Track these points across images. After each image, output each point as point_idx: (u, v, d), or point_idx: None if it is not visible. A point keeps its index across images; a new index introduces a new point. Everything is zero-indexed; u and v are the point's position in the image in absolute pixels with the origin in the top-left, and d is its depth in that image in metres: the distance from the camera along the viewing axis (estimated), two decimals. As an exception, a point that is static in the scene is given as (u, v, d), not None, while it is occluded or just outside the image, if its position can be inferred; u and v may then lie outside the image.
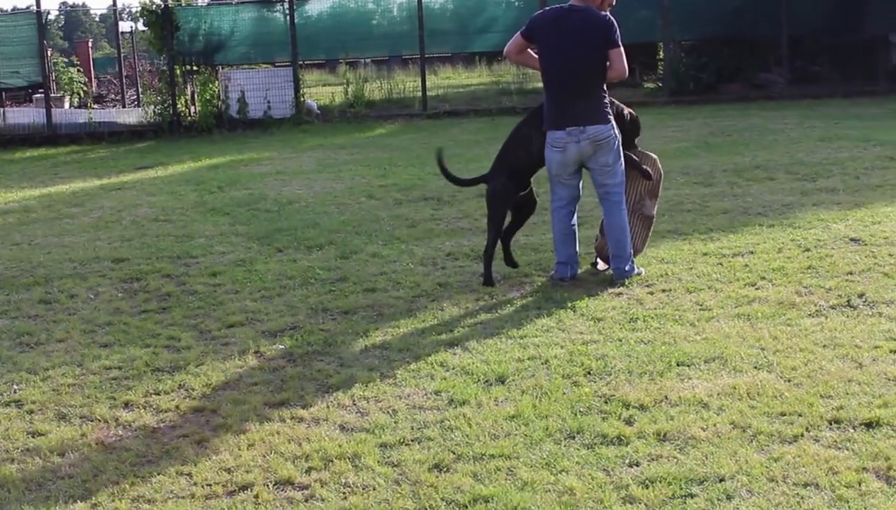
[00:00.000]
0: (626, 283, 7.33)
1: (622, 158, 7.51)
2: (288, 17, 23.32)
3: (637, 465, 4.42)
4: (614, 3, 7.67)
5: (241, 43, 24.06)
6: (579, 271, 7.73)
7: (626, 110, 7.84)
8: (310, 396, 5.50)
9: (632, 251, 7.52)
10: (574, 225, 7.72)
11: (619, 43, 7.37)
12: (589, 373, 5.58)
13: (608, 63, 7.38)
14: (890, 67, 24.18)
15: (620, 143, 7.49)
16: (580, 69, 7.36)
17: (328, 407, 5.33)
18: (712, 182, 11.62)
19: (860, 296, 6.73)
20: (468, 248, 8.77)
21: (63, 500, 4.42)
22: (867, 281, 7.07)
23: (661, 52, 26.37)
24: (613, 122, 7.44)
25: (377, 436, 4.91)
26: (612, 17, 7.42)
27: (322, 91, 29.85)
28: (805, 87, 23.24)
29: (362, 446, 4.78)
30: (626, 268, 7.43)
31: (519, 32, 7.63)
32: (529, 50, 7.63)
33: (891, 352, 5.64)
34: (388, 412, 5.22)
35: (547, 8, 7.77)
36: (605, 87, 7.46)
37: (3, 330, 7.12)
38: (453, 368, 5.82)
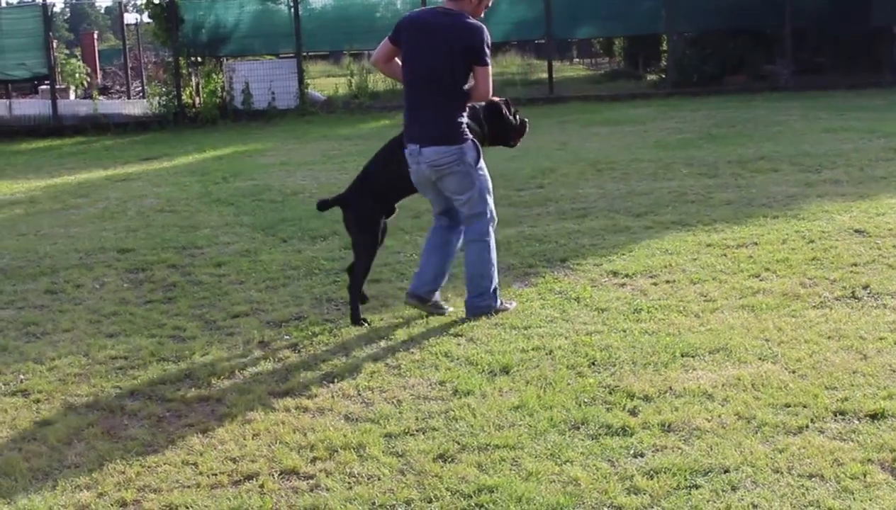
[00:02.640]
0: (630, 275, 7.32)
1: (479, 185, 6.49)
2: (292, 9, 23.33)
3: (641, 456, 4.42)
4: (490, 5, 6.61)
5: (245, 35, 24.09)
6: (449, 308, 6.81)
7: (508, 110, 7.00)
8: (315, 386, 5.51)
9: (492, 286, 6.58)
10: (451, 244, 6.80)
11: (487, 61, 6.40)
12: (593, 363, 5.59)
13: (472, 80, 6.43)
14: (895, 59, 24.14)
15: (477, 167, 6.47)
16: (432, 80, 6.40)
17: (333, 397, 5.35)
18: (716, 173, 11.61)
19: (865, 287, 6.73)
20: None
21: (70, 489, 4.43)
22: (872, 272, 7.07)
23: (665, 44, 26.35)
24: (467, 144, 6.41)
25: (382, 426, 4.92)
26: (485, 29, 6.42)
27: (326, 82, 29.84)
28: (809, 78, 23.23)
29: (367, 436, 4.79)
30: (483, 302, 6.57)
31: (387, 37, 6.63)
32: (398, 59, 6.61)
33: (895, 343, 5.64)
34: (392, 402, 5.23)
35: (416, 9, 7.15)
36: (462, 106, 6.46)
37: (10, 320, 7.14)
38: (458, 359, 5.82)
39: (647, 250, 7.99)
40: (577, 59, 45.28)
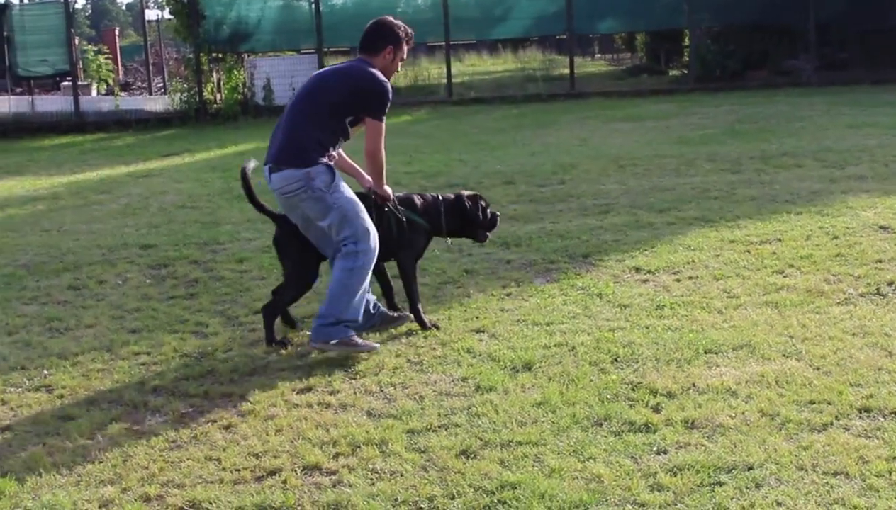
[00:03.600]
0: (652, 271, 7.29)
1: (338, 210, 5.94)
2: (313, 6, 23.37)
3: (665, 453, 4.41)
4: (404, 58, 6.36)
5: (266, 31, 24.14)
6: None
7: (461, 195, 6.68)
8: (337, 382, 5.51)
9: (350, 318, 5.92)
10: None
11: (381, 117, 6.02)
12: (616, 360, 5.57)
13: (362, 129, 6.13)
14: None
15: (331, 191, 5.94)
16: (303, 106, 6.07)
17: (355, 393, 5.35)
18: (739, 169, 11.56)
19: (889, 284, 6.69)
20: (495, 235, 8.73)
21: (93, 484, 4.44)
22: (896, 269, 7.03)
23: (688, 39, 26.25)
24: (316, 169, 5.92)
25: (404, 422, 4.91)
26: (387, 86, 6.04)
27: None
28: (833, 74, 23.12)
29: (389, 432, 4.79)
30: (330, 328, 5.88)
31: None
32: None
33: (920, 340, 5.60)
34: (414, 398, 5.22)
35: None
36: (324, 139, 6.02)
37: (34, 315, 7.17)
38: (480, 355, 5.81)
39: (670, 246, 7.96)
40: (599, 55, 45.22)
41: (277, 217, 6.39)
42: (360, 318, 6.03)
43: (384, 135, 6.09)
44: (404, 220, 6.35)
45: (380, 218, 6.22)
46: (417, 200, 6.51)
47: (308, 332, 6.18)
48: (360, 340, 5.96)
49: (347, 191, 6.05)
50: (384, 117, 6.03)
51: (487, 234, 6.85)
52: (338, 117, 6.04)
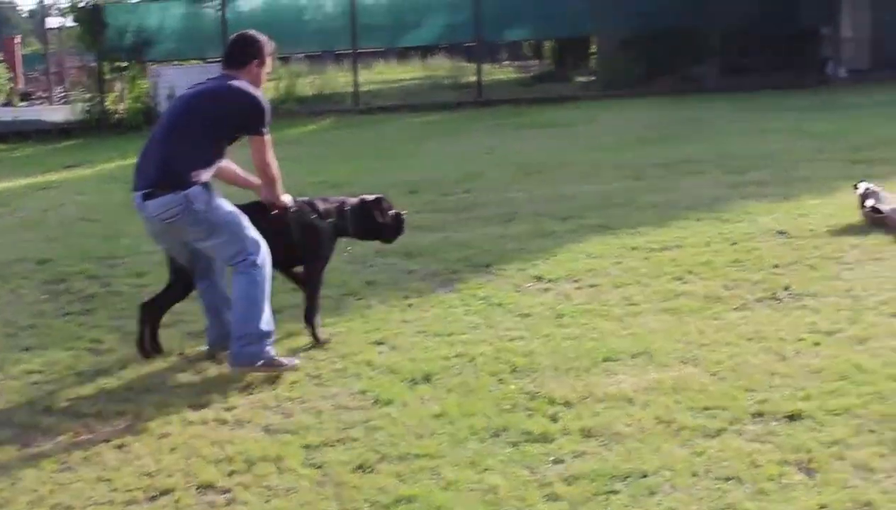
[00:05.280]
0: (553, 279, 7.32)
1: (223, 226, 5.73)
2: (220, 13, 23.12)
3: (561, 463, 4.41)
4: (270, 71, 6.18)
5: (171, 39, 23.84)
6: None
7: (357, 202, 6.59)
8: (234, 398, 5.43)
9: (261, 330, 5.67)
10: (215, 298, 6.18)
11: (262, 131, 5.77)
12: (515, 370, 5.57)
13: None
14: (820, 60, 24.53)
15: (213, 207, 5.70)
16: (171, 127, 5.82)
17: (252, 408, 5.27)
18: (643, 176, 11.68)
19: (785, 289, 6.79)
20: (397, 244, 8.66)
21: (-22, 510, 4.33)
22: (792, 273, 7.13)
23: (594, 46, 26.52)
24: (193, 190, 5.60)
25: (301, 437, 4.85)
26: (261, 99, 5.83)
27: (254, 87, 29.60)
28: (736, 79, 23.53)
29: (286, 448, 4.73)
30: (247, 348, 5.66)
31: None
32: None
33: (814, 344, 5.68)
34: (312, 413, 5.16)
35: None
36: (199, 158, 5.73)
37: (-78, 334, 6.97)
38: (379, 367, 5.77)
39: (572, 254, 8.00)
40: (507, 62, 45.44)
41: None
42: (273, 328, 5.86)
43: (271, 147, 5.91)
44: (313, 223, 6.25)
45: (282, 226, 6.14)
46: (321, 204, 6.41)
47: (201, 347, 6.10)
48: (283, 360, 5.80)
49: (226, 205, 5.82)
50: (266, 130, 5.82)
51: (395, 234, 6.76)
52: (213, 138, 5.81)
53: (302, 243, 6.26)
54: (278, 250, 5.97)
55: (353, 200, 6.60)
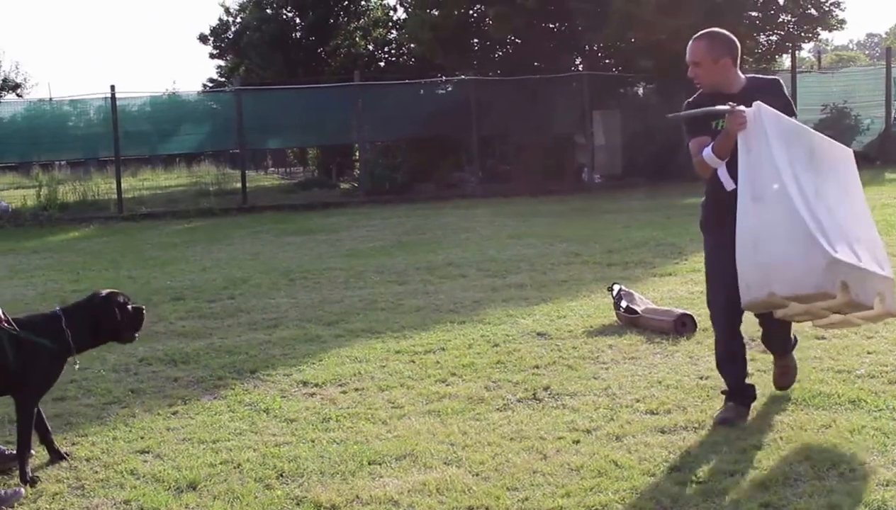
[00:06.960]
0: (319, 384, 7.32)
1: None
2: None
3: (328, 569, 4.38)
4: None
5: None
6: None
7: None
8: (-16, 516, 5.16)
9: None
10: None
11: None
12: (281, 475, 5.51)
13: None
14: (575, 167, 25.69)
15: None
16: None
17: (4, 527, 5.03)
18: (406, 280, 11.86)
19: (545, 388, 6.98)
20: (162, 352, 8.52)
21: None
22: (552, 374, 7.35)
23: (358, 153, 26.94)
24: None
25: (57, 555, 4.66)
26: None
27: (14, 194, 28.68)
28: (496, 185, 24.36)
29: (40, 567, 4.53)
30: None
31: None
32: None
33: (573, 442, 5.85)
34: (69, 529, 4.97)
35: None
36: None
37: None
38: (144, 476, 5.61)
39: (337, 359, 8.02)
40: (273, 169, 45.57)
41: None
42: None
43: None
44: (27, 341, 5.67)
45: None
46: (39, 319, 5.86)
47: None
48: (1, 491, 5.40)
49: None
50: None
51: (133, 332, 6.14)
52: None
53: (15, 368, 5.66)
54: None
55: (73, 305, 6.05)
